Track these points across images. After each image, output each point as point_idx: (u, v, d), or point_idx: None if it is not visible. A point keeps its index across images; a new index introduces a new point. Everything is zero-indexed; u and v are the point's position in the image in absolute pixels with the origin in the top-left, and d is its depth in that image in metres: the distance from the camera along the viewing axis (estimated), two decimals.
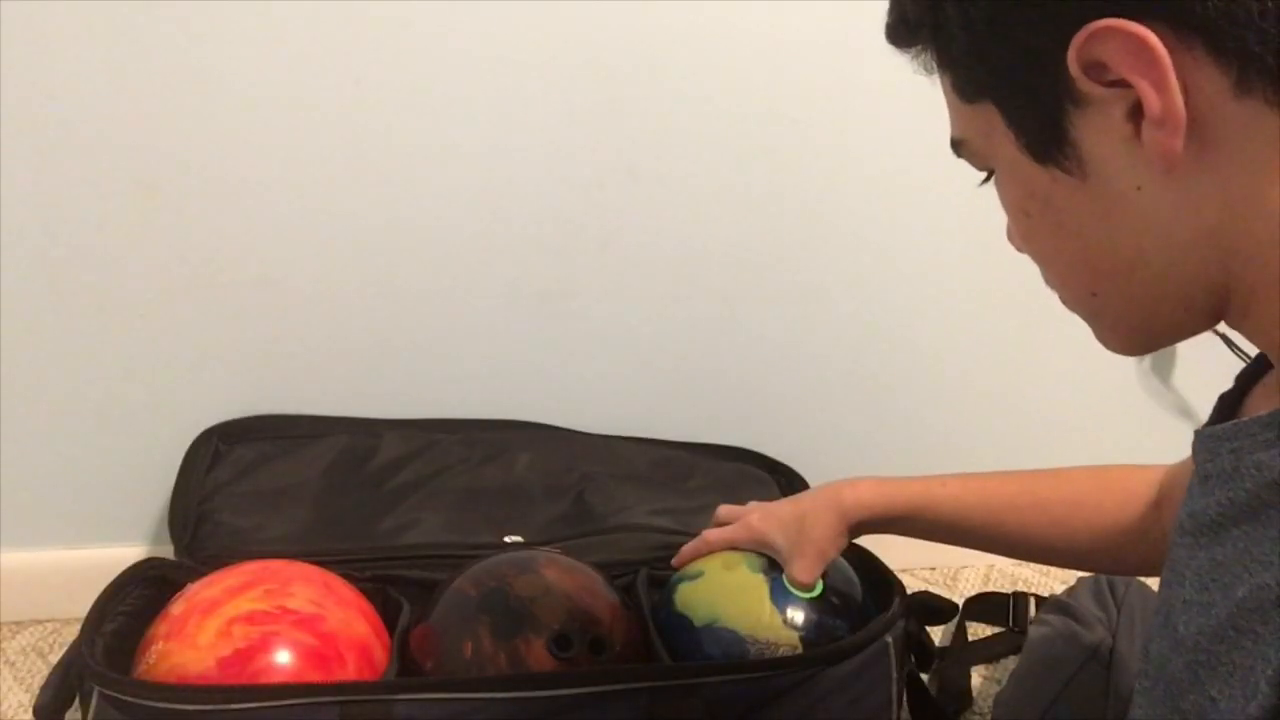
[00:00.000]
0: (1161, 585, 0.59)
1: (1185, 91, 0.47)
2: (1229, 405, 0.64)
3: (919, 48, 0.57)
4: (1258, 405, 0.61)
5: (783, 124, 1.25)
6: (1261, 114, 0.47)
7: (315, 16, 1.13)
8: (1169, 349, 1.38)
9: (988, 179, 0.60)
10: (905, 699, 1.00)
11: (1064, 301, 0.60)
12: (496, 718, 0.87)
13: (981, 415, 1.40)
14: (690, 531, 1.16)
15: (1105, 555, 0.94)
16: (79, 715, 0.91)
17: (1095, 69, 0.49)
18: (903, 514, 0.97)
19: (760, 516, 1.01)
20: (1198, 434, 0.56)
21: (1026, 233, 0.58)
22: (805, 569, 0.96)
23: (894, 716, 0.98)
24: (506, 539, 1.15)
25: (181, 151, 1.15)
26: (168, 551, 1.13)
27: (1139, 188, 0.51)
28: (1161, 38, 0.46)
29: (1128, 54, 0.47)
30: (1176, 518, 0.57)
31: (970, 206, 1.31)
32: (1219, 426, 0.53)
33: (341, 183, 1.20)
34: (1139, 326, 0.57)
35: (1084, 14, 0.48)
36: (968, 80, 0.55)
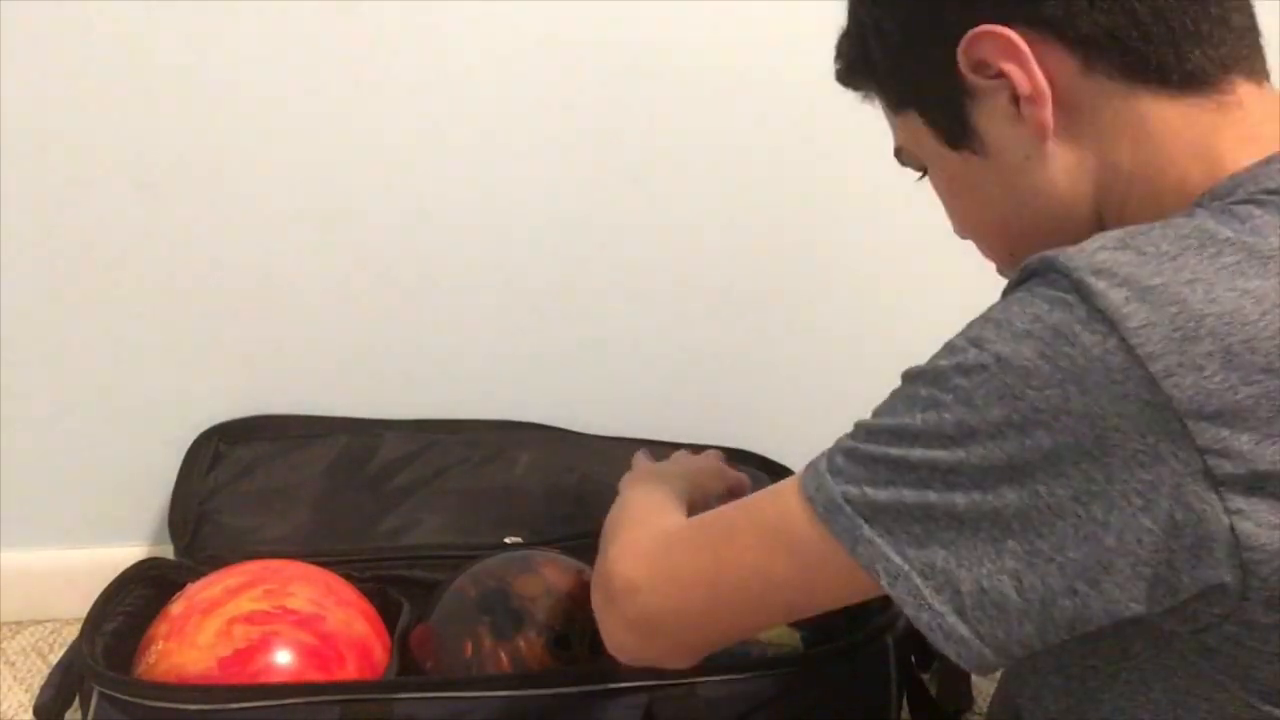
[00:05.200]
0: None
1: (1046, 74, 0.61)
2: None
3: (857, 88, 0.72)
4: None
5: (783, 124, 1.25)
6: (1106, 88, 0.62)
7: (315, 17, 1.13)
8: None
9: (922, 177, 0.73)
10: (905, 699, 1.00)
11: (999, 270, 0.73)
12: (496, 717, 0.87)
13: None
14: None
15: None
16: (79, 715, 0.91)
17: (979, 66, 0.63)
18: None
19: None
20: None
21: (958, 214, 0.73)
22: None
23: (894, 716, 0.98)
24: (506, 539, 1.15)
25: (181, 151, 1.15)
26: (168, 551, 1.13)
27: (1028, 157, 0.64)
28: (1021, 34, 0.61)
29: (999, 50, 0.62)
30: None
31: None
32: None
33: (341, 183, 1.20)
34: None
35: (964, 25, 0.62)
36: (894, 95, 0.70)
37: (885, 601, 0.98)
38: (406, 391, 1.29)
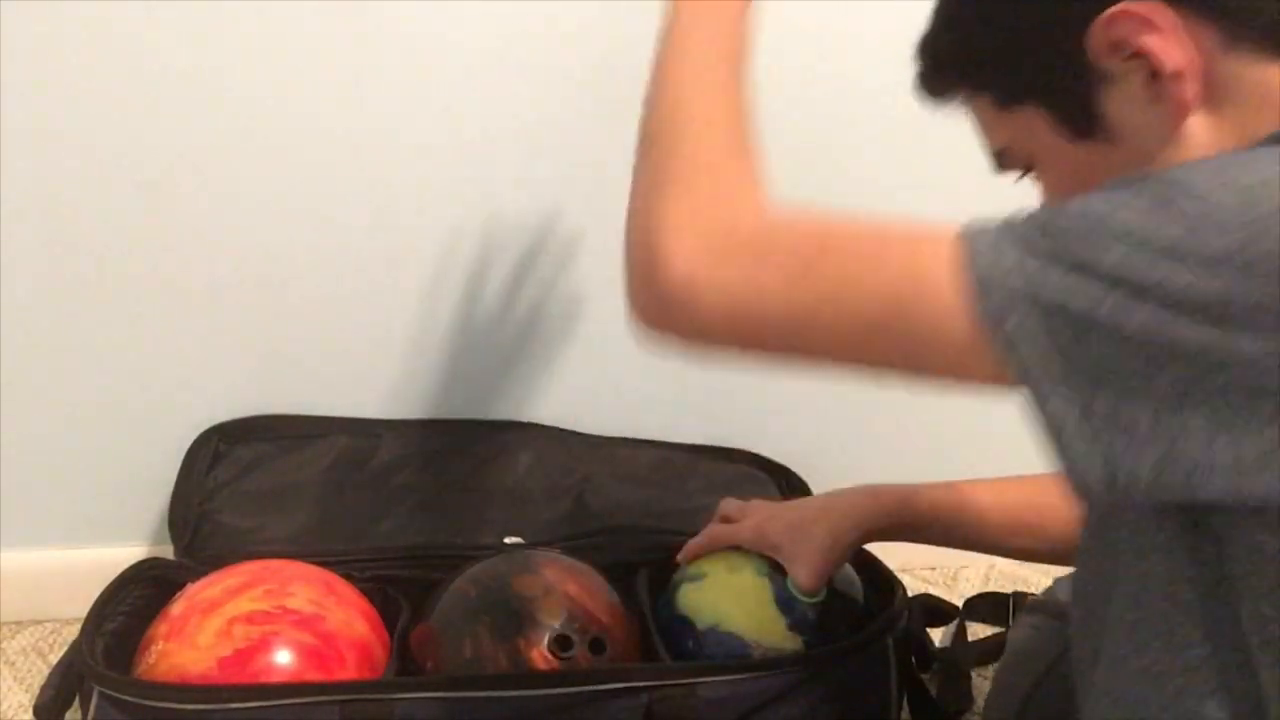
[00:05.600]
0: None
1: (1190, 48, 0.59)
2: None
3: (951, 90, 0.69)
4: None
5: (782, 124, 1.24)
6: (1249, 64, 0.60)
7: (315, 16, 1.13)
8: None
9: (1022, 178, 0.70)
10: (905, 699, 1.00)
11: None
12: (496, 717, 0.87)
13: (982, 416, 1.40)
14: (690, 532, 1.16)
15: None
16: (79, 715, 0.91)
17: (1114, 49, 0.61)
18: (916, 523, 0.97)
19: (767, 517, 1.01)
20: None
21: None
22: (810, 575, 0.95)
23: (894, 717, 0.98)
24: (506, 539, 1.15)
25: (181, 151, 1.15)
26: (168, 551, 1.13)
27: (1162, 140, 0.62)
28: (1160, 11, 0.59)
29: (1139, 28, 0.60)
30: None
31: (972, 208, 1.30)
32: None
33: (341, 183, 1.20)
34: None
35: (1093, 8, 0.60)
36: (1008, 90, 0.67)
37: (886, 602, 0.99)
38: (406, 391, 1.29)
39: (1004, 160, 0.71)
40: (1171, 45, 0.60)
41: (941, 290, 0.54)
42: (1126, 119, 0.63)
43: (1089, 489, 0.53)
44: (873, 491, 0.99)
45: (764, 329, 0.60)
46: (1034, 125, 0.66)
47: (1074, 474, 0.53)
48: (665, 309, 0.61)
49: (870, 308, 0.57)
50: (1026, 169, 0.70)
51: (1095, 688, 0.66)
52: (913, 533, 0.98)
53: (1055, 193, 0.69)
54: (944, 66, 0.69)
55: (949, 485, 0.98)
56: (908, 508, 0.98)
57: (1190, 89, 0.60)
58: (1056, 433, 0.53)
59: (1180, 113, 0.61)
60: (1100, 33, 0.61)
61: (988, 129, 0.70)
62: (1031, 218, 0.55)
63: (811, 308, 0.58)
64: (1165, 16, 0.59)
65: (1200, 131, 0.61)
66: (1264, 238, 0.49)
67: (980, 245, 0.54)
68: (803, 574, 0.95)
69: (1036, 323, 0.52)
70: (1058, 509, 0.93)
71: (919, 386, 0.59)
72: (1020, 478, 0.97)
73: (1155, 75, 0.61)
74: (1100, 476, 0.52)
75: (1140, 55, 0.60)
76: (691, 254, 0.60)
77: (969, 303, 0.53)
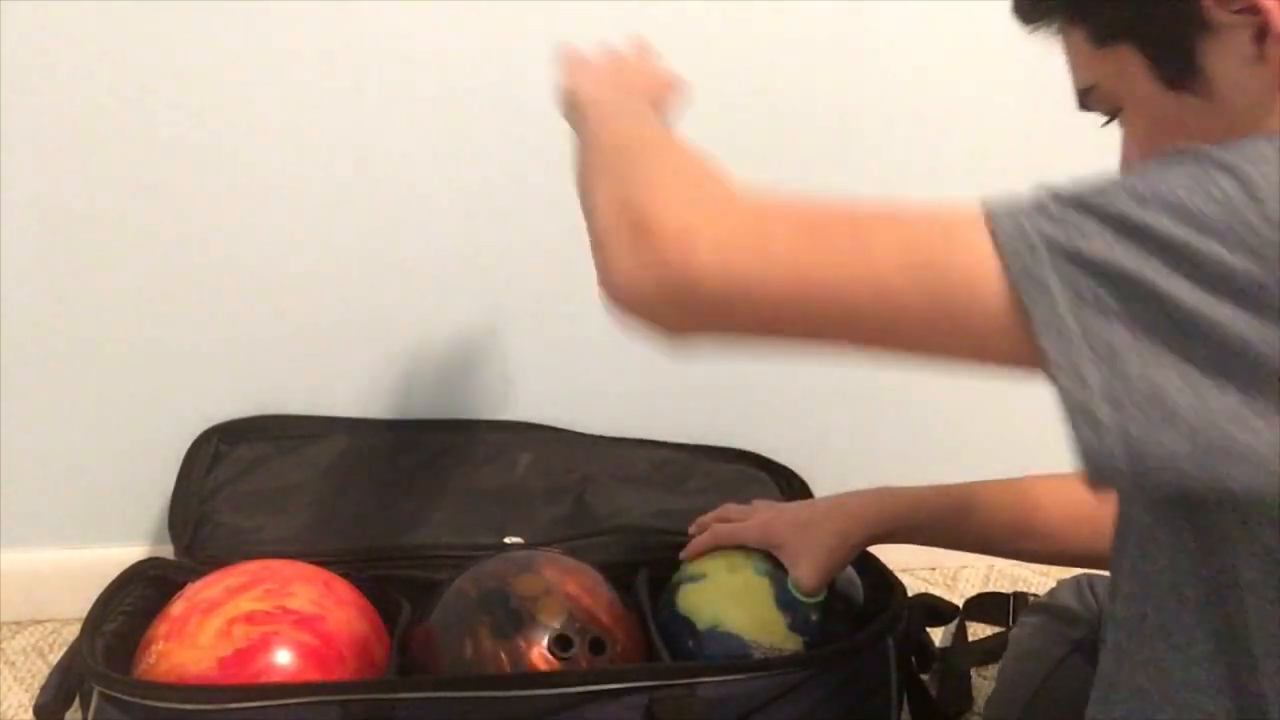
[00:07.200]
0: None
1: None
2: None
3: (1046, 17, 0.65)
4: None
5: (781, 123, 1.25)
6: None
7: (315, 17, 1.13)
8: None
9: (1108, 122, 0.67)
10: (905, 699, 1.00)
11: None
12: (496, 717, 0.87)
13: (982, 417, 1.40)
14: (691, 533, 1.16)
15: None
16: (79, 715, 0.91)
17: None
18: (924, 526, 0.97)
19: (773, 515, 1.01)
20: None
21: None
22: (814, 573, 0.95)
23: (894, 717, 0.98)
24: (507, 539, 1.15)
25: (182, 151, 1.16)
26: (168, 551, 1.13)
27: (1259, 104, 0.59)
28: None
29: None
30: None
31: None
32: None
33: (341, 182, 1.20)
34: None
35: None
36: (1105, 26, 0.63)
37: (886, 602, 0.99)
38: (406, 391, 1.29)
39: (1089, 99, 0.67)
40: None
41: (974, 249, 0.52)
42: (1225, 75, 0.60)
43: (1110, 463, 0.50)
44: (882, 494, 0.98)
45: (765, 298, 0.55)
46: (1128, 67, 0.63)
47: (1095, 451, 0.51)
48: (657, 272, 0.55)
49: (889, 274, 0.53)
50: (1112, 113, 0.67)
51: (1101, 679, 0.66)
52: (920, 535, 0.98)
53: (1138, 140, 0.66)
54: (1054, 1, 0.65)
55: (957, 488, 0.97)
56: (916, 511, 0.97)
57: None
58: (1079, 405, 0.50)
59: None
60: None
61: (1078, 64, 0.66)
62: (1070, 186, 0.53)
63: (821, 275, 0.54)
64: None
65: None
66: None
67: (1013, 208, 0.52)
68: (807, 572, 0.95)
69: (1070, 281, 0.50)
70: (1064, 511, 0.93)
71: (930, 365, 0.56)
72: (1027, 479, 0.97)
73: (1263, 34, 0.57)
74: (1123, 452, 0.50)
75: (1252, 10, 0.57)
76: (686, 210, 0.57)
77: (1003, 262, 0.51)
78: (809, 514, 0.99)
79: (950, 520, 0.96)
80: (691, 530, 1.06)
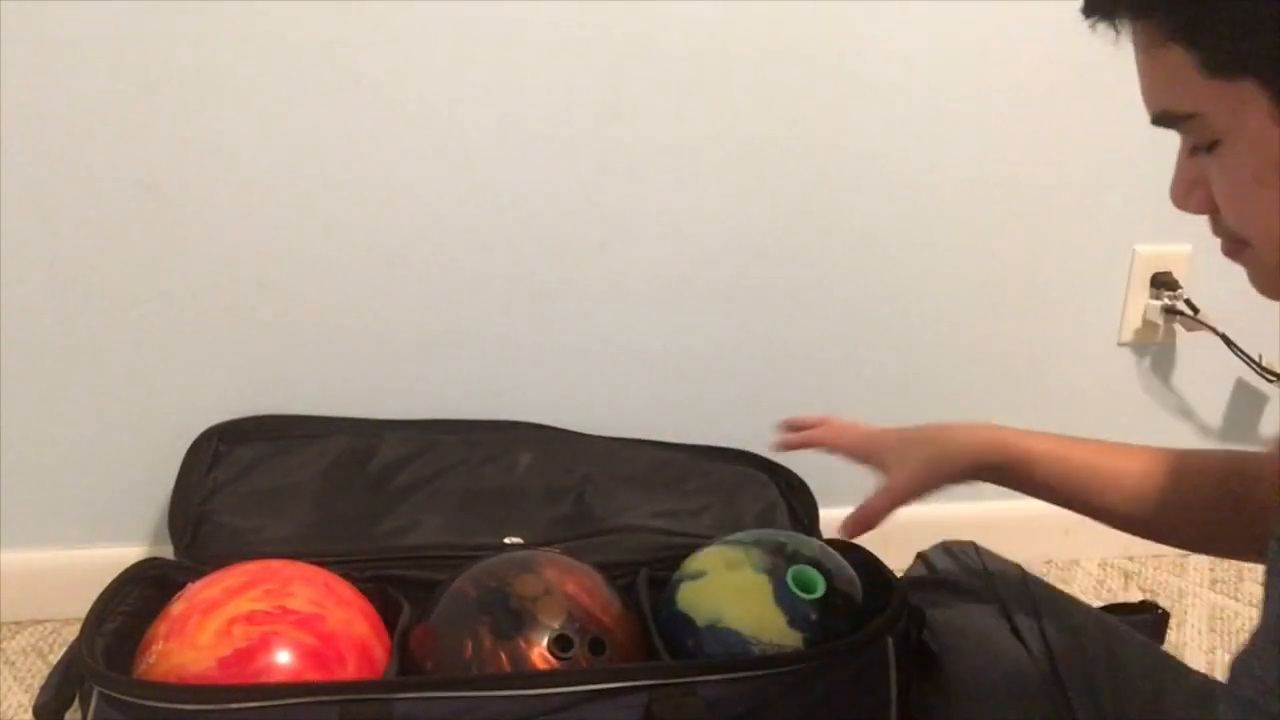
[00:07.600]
0: None
1: None
2: None
3: (1152, 39, 0.58)
4: None
5: (782, 124, 1.25)
6: None
7: (315, 17, 1.13)
8: (1169, 351, 1.38)
9: (1194, 151, 0.60)
10: (905, 699, 1.00)
11: (1254, 276, 0.60)
12: (496, 717, 0.87)
13: (982, 417, 1.40)
14: (691, 533, 1.16)
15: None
16: (79, 715, 0.91)
17: None
18: (1025, 471, 0.92)
19: (878, 430, 0.98)
20: None
21: (1255, 201, 0.58)
22: (908, 482, 0.92)
23: (894, 716, 0.97)
24: (507, 540, 1.15)
25: (181, 151, 1.16)
26: (168, 551, 1.13)
27: None
28: None
29: None
30: None
31: (972, 208, 1.31)
32: None
33: (342, 183, 1.20)
34: None
35: None
36: (1227, 57, 0.56)
37: (885, 602, 0.99)
38: (406, 391, 1.29)
39: (1184, 125, 0.59)
40: None
41: None
42: None
43: None
44: (994, 431, 0.95)
45: None
46: (1248, 104, 0.55)
47: None
48: None
49: None
50: (1207, 144, 0.59)
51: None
52: (1016, 480, 0.94)
53: (1232, 178, 0.59)
54: (1155, 6, 0.57)
55: (1058, 438, 0.93)
56: (1022, 456, 0.93)
57: None
58: None
59: None
60: None
61: (1177, 91, 0.58)
62: None
63: None
64: None
65: None
66: None
67: None
68: (901, 479, 0.93)
69: None
70: (1164, 477, 0.88)
71: None
72: (1118, 444, 0.93)
73: None
74: None
75: None
76: None
77: None
78: (920, 432, 0.97)
79: (1052, 469, 0.92)
80: (781, 427, 1.03)
